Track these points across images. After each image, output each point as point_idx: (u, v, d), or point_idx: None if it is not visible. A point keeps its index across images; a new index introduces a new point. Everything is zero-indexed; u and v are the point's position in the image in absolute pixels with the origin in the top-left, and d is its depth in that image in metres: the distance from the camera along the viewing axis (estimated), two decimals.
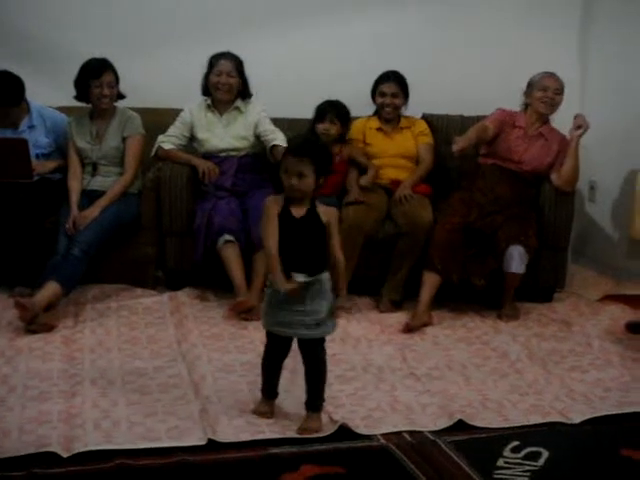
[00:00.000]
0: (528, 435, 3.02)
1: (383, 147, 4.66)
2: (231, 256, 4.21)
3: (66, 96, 4.42)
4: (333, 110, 4.52)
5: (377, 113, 4.74)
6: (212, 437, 2.90)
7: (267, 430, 2.99)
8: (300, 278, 2.85)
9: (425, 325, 4.12)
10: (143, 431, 2.95)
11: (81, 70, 4.35)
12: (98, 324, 4.01)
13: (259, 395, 3.14)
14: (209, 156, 4.51)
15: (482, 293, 4.31)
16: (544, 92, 4.45)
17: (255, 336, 3.82)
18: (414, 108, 4.79)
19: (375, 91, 4.68)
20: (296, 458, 2.80)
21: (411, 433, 3.01)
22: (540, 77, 4.49)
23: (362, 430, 3.01)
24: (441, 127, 4.90)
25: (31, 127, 4.50)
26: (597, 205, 5.19)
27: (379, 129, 4.70)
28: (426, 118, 4.87)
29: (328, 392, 3.09)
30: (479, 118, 4.65)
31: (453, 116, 4.95)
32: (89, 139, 4.46)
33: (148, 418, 3.05)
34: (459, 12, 5.17)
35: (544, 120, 4.54)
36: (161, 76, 4.84)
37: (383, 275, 4.39)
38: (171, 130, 4.55)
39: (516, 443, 2.95)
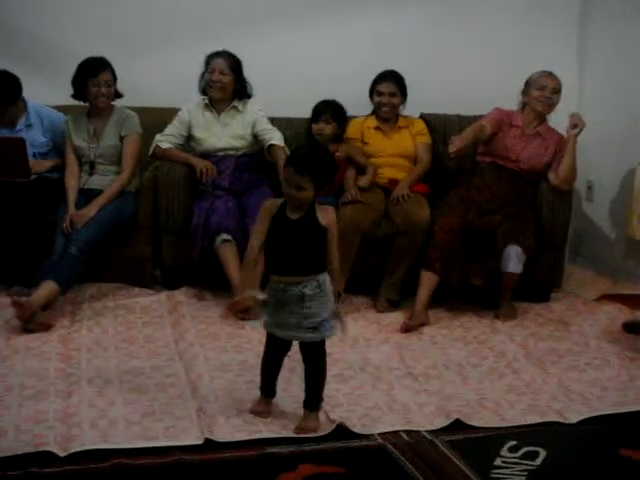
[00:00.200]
0: (525, 435, 3.02)
1: (381, 146, 4.66)
2: (228, 255, 4.21)
3: (64, 95, 4.41)
4: (328, 110, 4.52)
5: (375, 112, 4.74)
6: (209, 436, 2.89)
7: (264, 429, 2.99)
8: (258, 295, 2.96)
9: (422, 325, 4.12)
10: (140, 430, 2.95)
11: (78, 69, 4.34)
12: (95, 323, 4.01)
13: (256, 394, 3.14)
14: (207, 155, 4.50)
15: (479, 293, 4.31)
16: (541, 91, 4.44)
17: (252, 335, 3.82)
18: (414, 108, 4.79)
19: (373, 90, 4.68)
20: (293, 457, 2.80)
21: (408, 432, 3.01)
22: (538, 76, 4.48)
23: (359, 429, 3.00)
24: (439, 126, 4.90)
25: (28, 126, 4.50)
26: (595, 205, 5.19)
27: (377, 128, 4.69)
28: (424, 117, 4.87)
29: (325, 391, 3.08)
30: (476, 117, 4.66)
31: (450, 115, 4.95)
32: (86, 138, 4.45)
33: (145, 417, 3.05)
34: (459, 12, 5.17)
35: (541, 119, 4.53)
36: (160, 76, 4.83)
37: (380, 274, 4.39)
38: (169, 129, 4.54)
39: (513, 443, 2.95)
